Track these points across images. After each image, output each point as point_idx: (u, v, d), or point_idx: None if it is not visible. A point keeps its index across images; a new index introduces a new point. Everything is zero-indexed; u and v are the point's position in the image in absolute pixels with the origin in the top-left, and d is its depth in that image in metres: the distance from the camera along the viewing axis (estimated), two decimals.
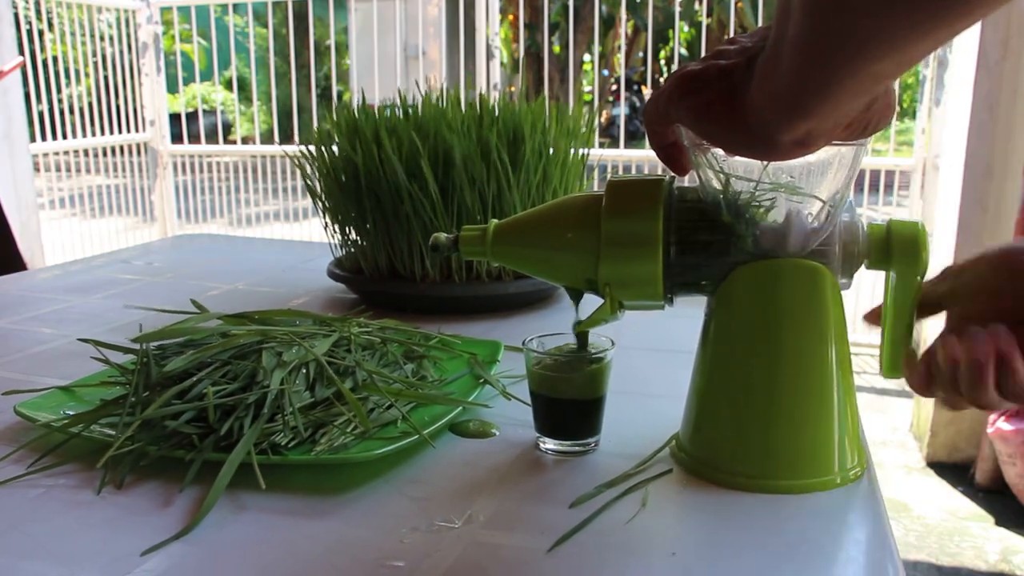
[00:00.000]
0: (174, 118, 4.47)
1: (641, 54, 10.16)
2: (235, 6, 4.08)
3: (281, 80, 8.46)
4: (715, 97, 0.44)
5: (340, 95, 5.23)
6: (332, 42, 4.08)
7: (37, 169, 3.60)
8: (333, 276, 1.04)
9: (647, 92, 8.35)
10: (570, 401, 0.61)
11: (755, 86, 0.41)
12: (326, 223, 1.05)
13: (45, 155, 3.74)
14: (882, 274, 0.57)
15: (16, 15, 3.31)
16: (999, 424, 2.19)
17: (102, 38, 3.98)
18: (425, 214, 0.95)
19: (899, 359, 0.55)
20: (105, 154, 3.96)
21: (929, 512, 2.24)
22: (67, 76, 3.71)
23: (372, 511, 0.54)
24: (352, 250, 1.05)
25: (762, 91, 0.40)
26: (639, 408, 0.71)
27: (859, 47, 0.34)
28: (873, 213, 3.71)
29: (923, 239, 0.53)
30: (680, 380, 0.64)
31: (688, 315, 0.70)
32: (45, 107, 3.50)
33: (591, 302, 0.60)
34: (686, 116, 0.46)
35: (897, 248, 0.53)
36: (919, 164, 3.09)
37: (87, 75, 3.85)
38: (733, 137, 0.44)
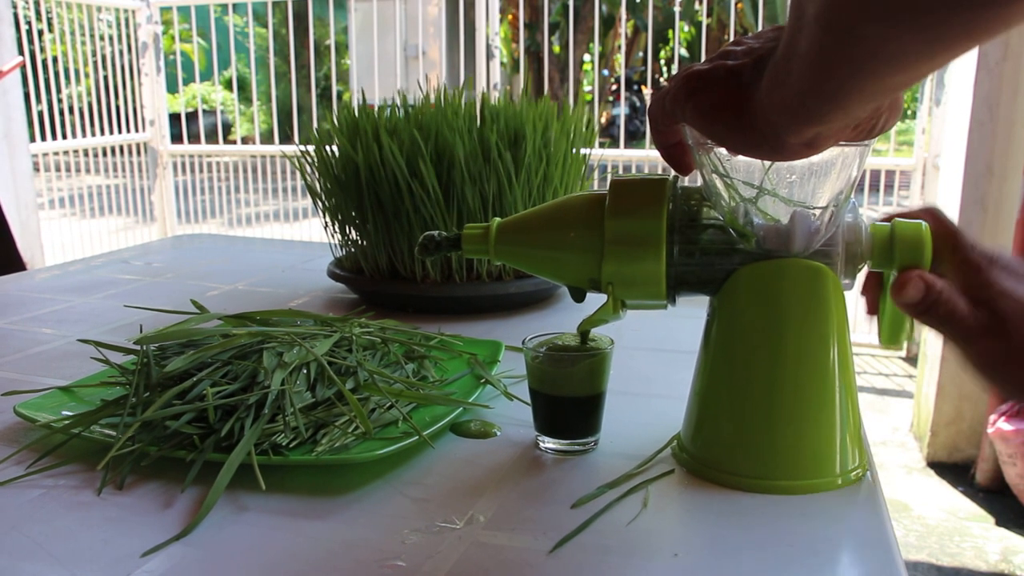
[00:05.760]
0: (174, 118, 4.48)
1: (641, 54, 10.16)
2: (235, 6, 4.08)
3: (281, 80, 8.46)
4: (722, 97, 0.44)
5: (340, 95, 5.22)
6: (332, 42, 4.07)
7: (37, 169, 3.60)
8: (333, 276, 1.04)
9: (647, 92, 8.35)
10: (569, 398, 0.61)
11: (765, 90, 0.41)
12: (326, 223, 1.05)
13: (45, 155, 3.74)
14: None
15: (16, 15, 3.30)
16: (999, 424, 2.19)
17: (102, 38, 3.98)
18: (426, 213, 0.95)
19: (899, 333, 0.55)
20: (105, 154, 3.96)
21: (929, 512, 2.24)
22: (67, 76, 3.71)
23: (373, 512, 0.54)
24: (352, 250, 1.05)
25: (772, 96, 0.40)
26: (640, 408, 0.70)
27: (874, 64, 0.34)
28: (874, 213, 3.71)
29: (926, 240, 0.53)
30: (682, 380, 0.64)
31: (690, 315, 0.70)
32: (45, 107, 3.50)
33: (593, 301, 0.60)
34: (692, 115, 0.46)
35: (900, 249, 0.53)
36: (919, 164, 3.09)
37: (87, 75, 3.85)
38: (739, 137, 0.44)
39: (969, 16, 0.30)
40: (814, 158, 0.45)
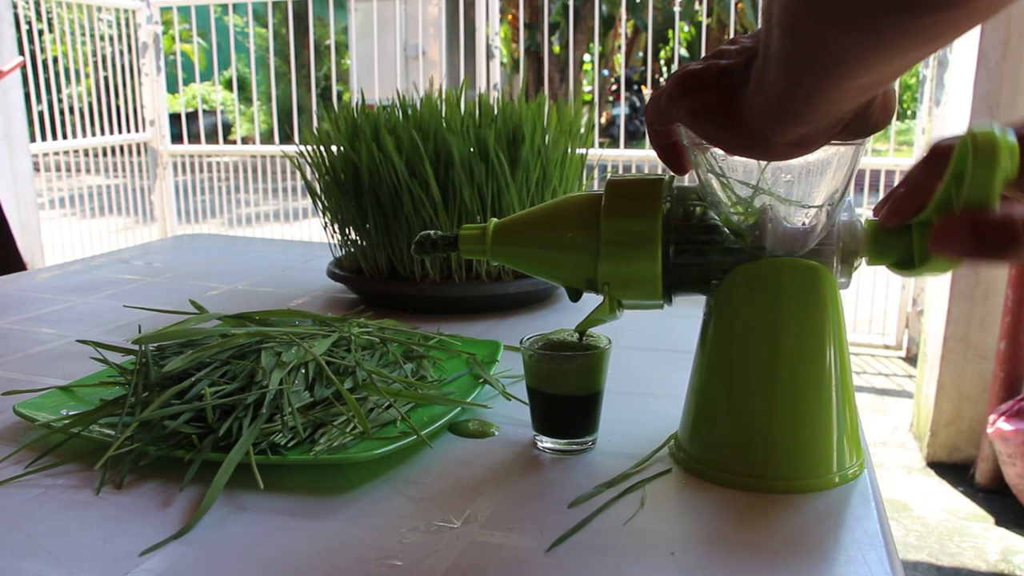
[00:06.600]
0: (174, 118, 4.48)
1: (641, 54, 10.16)
2: (235, 6, 4.08)
3: (281, 80, 8.47)
4: (714, 97, 0.44)
5: (340, 95, 5.23)
6: (332, 42, 4.08)
7: (37, 169, 3.61)
8: (333, 276, 1.04)
9: (647, 92, 8.35)
10: (567, 397, 0.61)
11: (750, 91, 0.41)
12: (326, 223, 1.06)
13: (45, 155, 3.74)
14: (879, 277, 0.57)
15: (16, 15, 3.31)
16: (999, 424, 2.19)
17: (102, 38, 3.98)
18: (425, 213, 0.95)
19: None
20: (105, 154, 3.96)
21: (929, 512, 2.24)
22: (67, 76, 3.72)
23: (371, 511, 0.54)
24: (352, 250, 1.05)
25: (755, 97, 0.41)
26: (638, 408, 0.71)
27: (835, 64, 0.34)
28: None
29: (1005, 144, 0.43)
30: (679, 380, 0.64)
31: (687, 315, 0.70)
32: (45, 107, 3.50)
33: (591, 300, 0.60)
34: (685, 116, 0.47)
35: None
36: None
37: (87, 75, 3.85)
38: (731, 137, 0.44)
39: (911, 22, 0.30)
40: (809, 157, 0.45)
